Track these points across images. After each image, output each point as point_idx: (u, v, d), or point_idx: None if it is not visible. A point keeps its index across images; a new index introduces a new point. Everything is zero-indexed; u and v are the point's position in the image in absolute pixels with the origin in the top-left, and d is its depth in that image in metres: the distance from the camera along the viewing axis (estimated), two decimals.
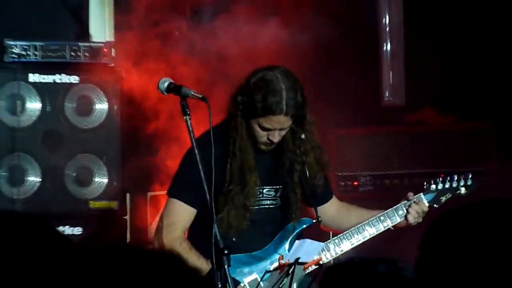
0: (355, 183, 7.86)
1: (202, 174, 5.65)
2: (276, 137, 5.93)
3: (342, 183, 7.93)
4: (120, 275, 1.70)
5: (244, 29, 8.95)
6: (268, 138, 6.01)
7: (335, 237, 6.56)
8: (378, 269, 2.83)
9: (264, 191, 6.22)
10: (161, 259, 1.89)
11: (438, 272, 2.61)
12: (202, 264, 5.83)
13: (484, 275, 2.42)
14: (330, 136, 7.72)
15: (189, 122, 5.83)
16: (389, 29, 8.60)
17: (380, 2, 8.63)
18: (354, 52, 8.68)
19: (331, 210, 6.35)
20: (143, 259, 1.80)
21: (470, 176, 6.80)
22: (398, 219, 6.58)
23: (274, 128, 5.94)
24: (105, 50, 8.61)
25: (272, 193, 6.24)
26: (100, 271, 1.70)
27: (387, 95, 8.55)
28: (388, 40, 8.57)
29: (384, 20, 8.61)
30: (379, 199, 7.44)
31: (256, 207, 6.20)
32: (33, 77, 8.13)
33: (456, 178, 6.82)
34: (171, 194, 6.17)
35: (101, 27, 9.84)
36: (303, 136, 6.25)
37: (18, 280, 2.32)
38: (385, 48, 8.58)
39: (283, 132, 6.03)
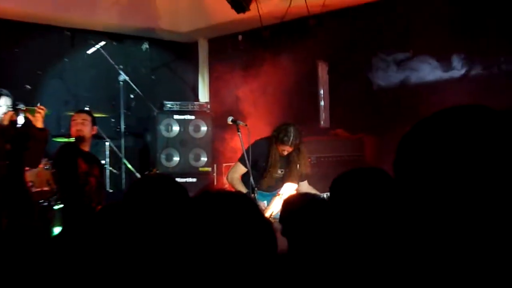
0: (309, 160, 7.06)
1: (246, 159, 6.41)
2: (285, 153, 6.51)
3: None
4: (212, 203, 1.86)
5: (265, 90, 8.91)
6: (282, 152, 6.50)
7: None
8: (318, 196, 3.83)
9: (278, 170, 6.62)
10: (233, 196, 2.07)
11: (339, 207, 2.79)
12: (243, 190, 6.42)
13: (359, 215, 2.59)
14: None
15: (240, 136, 6.68)
16: (322, 95, 8.50)
17: (318, 83, 8.48)
18: (308, 106, 8.58)
19: (303, 186, 6.71)
20: (224, 196, 2.00)
21: None
22: None
23: (285, 149, 6.47)
24: (205, 105, 9.51)
25: (280, 171, 6.64)
26: (200, 202, 1.90)
27: (322, 123, 8.51)
28: (322, 99, 8.53)
29: (320, 91, 8.50)
30: (320, 168, 7.44)
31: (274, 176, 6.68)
32: (176, 116, 9.02)
33: None
34: (238, 160, 6.66)
35: (203, 94, 10.83)
36: (299, 151, 6.68)
37: (162, 206, 2.90)
38: (321, 103, 8.52)
39: (290, 150, 6.50)
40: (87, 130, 6.45)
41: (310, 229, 3.22)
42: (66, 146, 6.56)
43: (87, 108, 7.77)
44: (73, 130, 6.45)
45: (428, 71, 7.81)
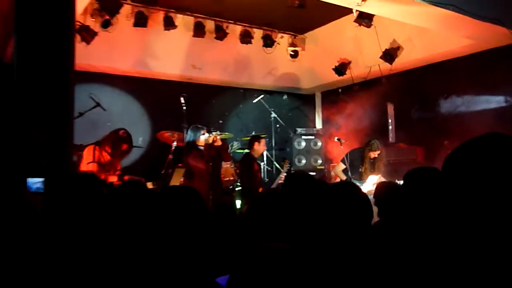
0: (383, 162, 6.51)
1: (346, 161, 6.28)
2: (372, 156, 6.22)
3: None
4: (323, 189, 1.71)
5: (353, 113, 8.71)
6: (371, 156, 6.24)
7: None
8: (396, 183, 3.55)
9: (365, 168, 6.21)
10: (341, 184, 1.90)
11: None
12: (344, 178, 6.29)
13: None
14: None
15: (342, 148, 6.71)
16: (390, 123, 8.07)
17: (388, 116, 8.18)
18: (381, 129, 8.08)
19: (381, 177, 6.12)
20: (342, 182, 1.86)
21: None
22: None
23: (375, 154, 6.21)
24: (320, 130, 9.39)
25: (365, 168, 6.25)
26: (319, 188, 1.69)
27: (390, 139, 8.07)
28: (390, 125, 8.07)
29: (389, 120, 8.11)
30: (389, 167, 6.93)
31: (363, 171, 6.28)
32: (303, 137, 8.98)
33: None
34: (341, 161, 6.40)
35: (319, 123, 10.71)
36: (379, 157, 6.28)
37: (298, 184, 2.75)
38: (389, 127, 8.06)
39: (376, 155, 6.22)
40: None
41: (392, 202, 3.16)
42: (247, 155, 6.92)
43: (253, 133, 8.28)
44: (263, 149, 6.94)
45: (456, 107, 7.71)
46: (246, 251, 1.37)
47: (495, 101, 7.23)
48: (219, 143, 6.09)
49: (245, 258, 1.36)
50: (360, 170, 6.47)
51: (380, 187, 3.54)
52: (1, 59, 6.80)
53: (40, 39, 3.54)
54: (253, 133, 8.33)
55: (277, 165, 8.62)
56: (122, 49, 7.78)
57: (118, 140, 5.57)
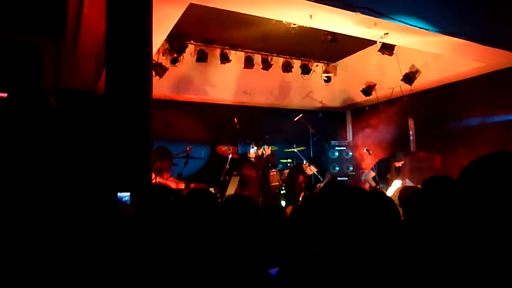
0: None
1: (375, 170, 6.11)
2: (397, 165, 6.05)
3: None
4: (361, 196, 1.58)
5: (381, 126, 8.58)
6: (396, 165, 6.08)
7: None
8: (417, 188, 3.27)
9: (391, 174, 5.99)
10: (371, 192, 1.81)
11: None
12: (374, 184, 6.04)
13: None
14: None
15: (370, 156, 6.68)
16: (411, 134, 7.99)
17: (409, 129, 8.11)
18: (403, 141, 7.96)
19: (404, 182, 5.81)
20: (372, 191, 1.74)
21: None
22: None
23: (399, 163, 6.06)
24: (350, 142, 9.13)
25: (391, 175, 6.04)
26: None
27: (411, 149, 7.96)
28: (411, 136, 8.04)
29: (410, 132, 8.02)
30: (411, 173, 6.49)
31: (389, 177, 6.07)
32: (336, 148, 8.77)
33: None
34: (371, 169, 6.28)
35: (349, 136, 10.32)
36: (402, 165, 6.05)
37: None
38: (410, 138, 7.99)
39: (400, 164, 6.04)
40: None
41: (414, 205, 2.82)
42: (297, 167, 6.90)
43: (295, 146, 8.07)
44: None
45: (468, 121, 7.41)
46: (291, 253, 1.38)
47: (503, 116, 6.99)
48: (268, 152, 6.30)
49: (289, 261, 1.37)
50: (387, 177, 6.32)
51: (404, 191, 3.42)
52: (94, 92, 7.08)
53: (125, 75, 3.63)
54: (295, 146, 8.15)
55: (315, 172, 8.13)
56: (187, 80, 7.98)
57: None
